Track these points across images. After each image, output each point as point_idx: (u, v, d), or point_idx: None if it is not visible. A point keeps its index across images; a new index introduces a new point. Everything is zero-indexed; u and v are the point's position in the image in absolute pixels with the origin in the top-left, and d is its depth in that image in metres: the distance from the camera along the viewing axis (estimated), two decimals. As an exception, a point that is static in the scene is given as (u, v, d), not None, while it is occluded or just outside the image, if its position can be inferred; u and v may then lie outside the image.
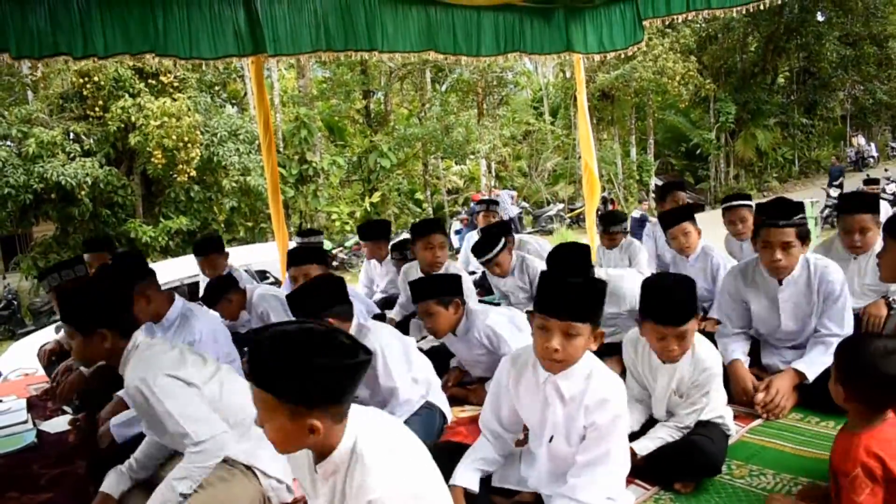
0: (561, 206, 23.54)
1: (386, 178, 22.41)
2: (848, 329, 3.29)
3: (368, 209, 22.07)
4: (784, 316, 3.44)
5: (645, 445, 2.73)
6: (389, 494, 1.67)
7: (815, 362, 3.26)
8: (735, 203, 5.15)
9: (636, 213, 15.29)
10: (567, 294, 2.22)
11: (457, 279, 3.56)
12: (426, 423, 3.18)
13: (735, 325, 3.65)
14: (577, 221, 22.47)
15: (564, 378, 2.32)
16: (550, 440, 2.41)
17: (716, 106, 25.89)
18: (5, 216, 15.10)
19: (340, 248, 19.51)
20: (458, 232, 20.66)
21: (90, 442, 3.47)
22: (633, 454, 2.68)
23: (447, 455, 2.62)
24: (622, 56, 7.45)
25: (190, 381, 2.61)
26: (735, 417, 3.17)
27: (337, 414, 1.73)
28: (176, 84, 16.84)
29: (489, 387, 3.66)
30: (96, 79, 15.34)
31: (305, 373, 1.65)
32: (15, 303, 15.17)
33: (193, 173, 16.59)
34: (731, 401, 3.33)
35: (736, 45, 26.38)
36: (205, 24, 5.57)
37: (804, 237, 3.25)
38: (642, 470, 2.71)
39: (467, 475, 2.51)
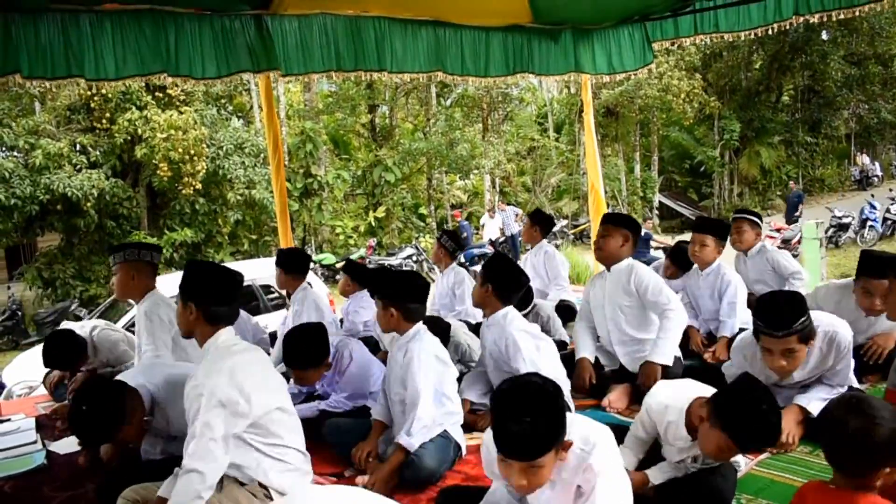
0: (565, 222, 23.55)
1: (390, 192, 22.48)
2: (849, 383, 3.38)
3: (373, 223, 22.13)
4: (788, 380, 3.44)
5: (656, 476, 2.73)
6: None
7: (817, 398, 3.29)
8: (737, 215, 5.33)
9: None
10: (522, 437, 1.99)
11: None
12: (440, 449, 3.19)
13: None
14: (581, 237, 22.48)
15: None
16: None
17: (720, 123, 25.96)
18: (11, 227, 15.13)
19: (343, 262, 19.52)
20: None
21: (100, 464, 3.49)
22: (646, 479, 2.69)
23: (457, 499, 2.69)
24: (628, 74, 7.48)
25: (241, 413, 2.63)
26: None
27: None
28: (182, 97, 16.92)
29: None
30: (104, 91, 15.39)
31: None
32: (19, 313, 15.18)
33: (199, 186, 16.64)
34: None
35: (741, 63, 26.45)
36: (217, 44, 5.60)
37: (808, 338, 2.99)
38: (652, 502, 2.71)
39: None
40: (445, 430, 3.29)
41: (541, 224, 6.63)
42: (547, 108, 27.88)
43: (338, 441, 3.49)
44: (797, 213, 18.93)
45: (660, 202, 26.36)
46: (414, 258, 19.73)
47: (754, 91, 26.93)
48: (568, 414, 2.12)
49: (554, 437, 2.01)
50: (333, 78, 6.39)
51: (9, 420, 4.53)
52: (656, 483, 2.71)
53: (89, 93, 15.50)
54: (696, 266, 4.96)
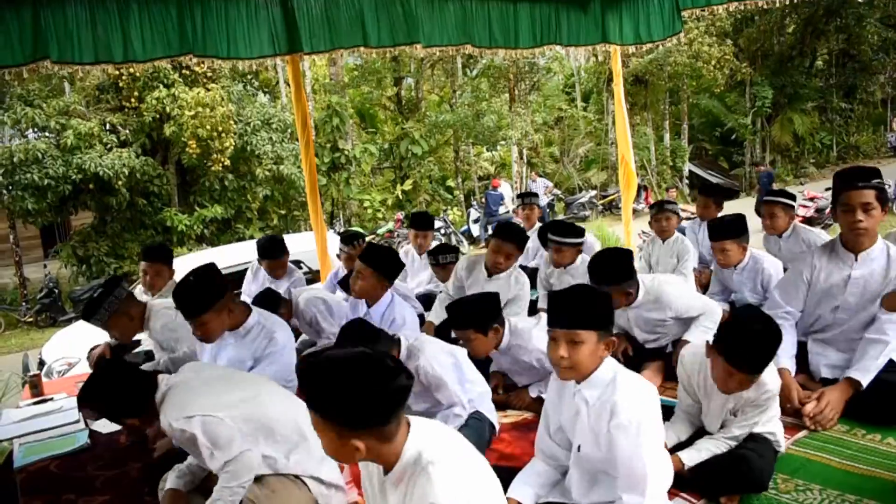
0: (593, 192, 23.35)
1: (417, 165, 22.43)
2: None
3: (400, 196, 22.13)
4: (850, 295, 3.39)
5: (691, 456, 2.72)
6: (447, 500, 1.73)
7: (869, 367, 3.20)
8: (770, 199, 5.07)
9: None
10: (567, 304, 2.37)
11: (494, 299, 3.50)
12: (476, 433, 3.16)
13: (789, 304, 3.61)
14: (610, 208, 22.31)
15: (588, 387, 2.39)
16: (579, 449, 2.44)
17: (752, 90, 25.46)
18: (45, 206, 15.36)
19: (373, 236, 19.59)
20: (475, 220, 20.63)
21: (143, 443, 3.56)
22: (680, 464, 2.69)
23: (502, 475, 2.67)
24: (656, 43, 7.37)
25: (213, 415, 2.64)
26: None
27: (382, 434, 1.79)
28: (209, 74, 16.96)
29: (532, 391, 3.71)
30: (131, 70, 15.47)
31: (350, 397, 1.74)
32: (56, 291, 15.49)
33: (227, 162, 16.74)
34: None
35: (773, 28, 25.83)
36: (241, 23, 5.60)
37: (884, 202, 3.19)
38: (687, 482, 2.70)
39: (522, 490, 2.54)
40: (478, 411, 3.29)
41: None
42: (574, 77, 27.52)
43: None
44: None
45: (690, 171, 26.01)
46: (442, 231, 19.73)
47: (787, 56, 26.32)
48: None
49: (597, 317, 2.34)
50: (360, 53, 6.36)
51: (51, 399, 4.64)
52: (690, 464, 2.70)
53: (117, 72, 15.57)
54: None
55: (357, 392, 1.74)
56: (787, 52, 26.39)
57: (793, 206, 5.03)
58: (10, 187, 14.98)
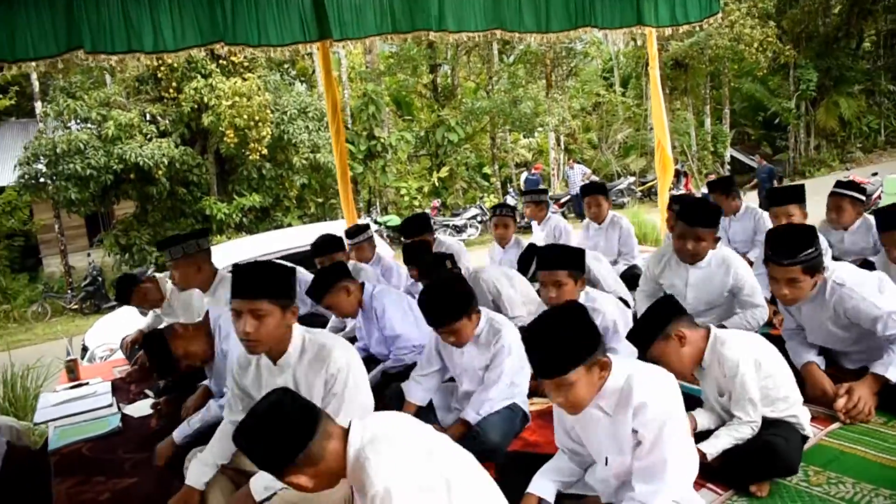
0: (632, 179, 23.03)
1: (454, 152, 22.38)
2: None
3: (436, 184, 22.12)
4: (824, 335, 3.35)
5: (713, 445, 2.66)
6: (389, 487, 1.75)
7: (894, 361, 3.10)
8: (838, 191, 4.78)
9: (705, 190, 14.82)
10: (543, 357, 2.16)
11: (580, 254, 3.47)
12: (506, 421, 3.16)
13: (796, 326, 3.54)
14: (649, 195, 21.99)
15: (601, 398, 2.25)
16: (606, 462, 2.34)
17: (796, 73, 24.81)
18: (87, 196, 15.70)
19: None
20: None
21: (172, 427, 3.60)
22: (704, 456, 2.62)
23: (520, 464, 2.67)
24: (694, 25, 7.21)
25: None
26: (813, 419, 3.06)
27: (309, 459, 1.84)
28: (246, 64, 17.12)
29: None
30: (169, 61, 15.71)
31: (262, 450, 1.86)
32: (99, 279, 15.83)
33: (265, 151, 16.91)
34: (807, 401, 3.23)
35: (818, 9, 25.12)
36: (272, 10, 5.64)
37: (814, 270, 3.01)
38: (715, 473, 2.65)
39: (543, 485, 2.50)
40: (514, 402, 3.25)
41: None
42: (613, 62, 27.14)
43: (399, 408, 3.49)
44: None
45: (731, 156, 25.51)
46: (479, 218, 19.67)
47: (833, 38, 25.58)
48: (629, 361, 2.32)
49: (571, 356, 2.13)
50: (391, 40, 6.34)
51: (87, 384, 4.74)
52: (712, 454, 2.64)
53: (156, 63, 15.82)
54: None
55: (265, 441, 1.83)
56: (833, 34, 25.64)
57: (862, 201, 4.77)
58: (54, 178, 15.34)
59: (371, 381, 3.59)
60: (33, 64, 5.19)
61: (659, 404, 2.17)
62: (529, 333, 2.22)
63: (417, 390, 3.42)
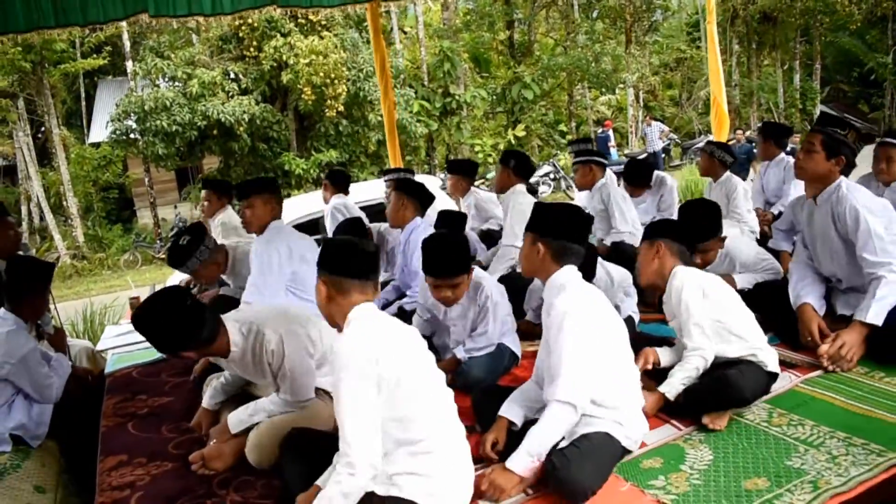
0: (711, 136, 22.39)
1: (529, 109, 22.30)
2: (886, 258, 3.13)
3: (512, 141, 22.14)
4: (820, 241, 3.45)
5: (669, 384, 2.84)
6: (352, 346, 2.15)
7: (870, 306, 3.10)
8: (888, 140, 4.46)
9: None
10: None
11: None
12: (492, 359, 3.44)
13: (805, 248, 3.62)
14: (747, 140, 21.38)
15: (546, 290, 2.70)
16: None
17: (894, 26, 23.44)
18: (173, 151, 16.56)
19: (482, 181, 19.77)
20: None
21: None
22: (662, 397, 2.83)
23: (493, 395, 2.93)
24: None
25: (310, 352, 2.99)
26: (795, 367, 3.19)
27: (341, 286, 2.28)
28: (324, 22, 17.49)
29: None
30: (250, 20, 16.24)
31: (334, 247, 2.37)
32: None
33: (341, 108, 17.34)
34: (798, 347, 3.33)
35: (923, -44, 23.57)
36: (324, -29, 5.88)
37: (832, 151, 3.24)
38: (678, 409, 2.82)
39: (512, 409, 2.75)
40: (503, 342, 3.50)
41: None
42: (698, 15, 26.23)
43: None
44: (749, 173, 13.41)
45: (823, 113, 24.39)
46: (552, 175, 19.63)
47: (938, -14, 23.99)
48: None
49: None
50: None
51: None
52: (672, 393, 2.82)
53: (237, 23, 16.40)
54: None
55: (338, 244, 2.39)
56: (939, -18, 24.03)
57: None
58: (143, 133, 16.23)
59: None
60: (124, 24, 5.61)
61: (562, 308, 2.50)
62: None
63: (420, 323, 3.73)
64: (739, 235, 4.26)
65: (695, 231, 3.38)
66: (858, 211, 3.18)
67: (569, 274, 2.64)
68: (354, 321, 2.24)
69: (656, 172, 6.35)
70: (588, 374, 2.47)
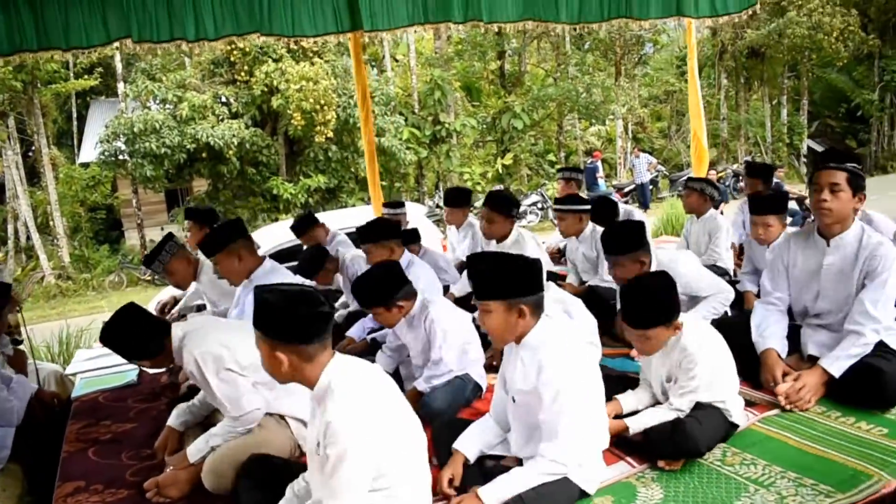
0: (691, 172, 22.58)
1: (519, 138, 22.47)
2: (882, 317, 3.10)
3: (500, 170, 22.29)
4: (826, 282, 3.33)
5: (637, 421, 2.84)
6: (342, 418, 2.07)
7: (840, 357, 3.14)
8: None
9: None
10: (475, 277, 2.62)
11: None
12: (455, 390, 3.44)
13: (776, 290, 3.57)
14: (719, 181, 21.61)
15: (523, 347, 2.61)
16: (514, 401, 2.66)
17: (881, 63, 23.82)
18: (162, 173, 16.62)
19: (472, 210, 19.82)
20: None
21: (177, 384, 4.03)
22: (625, 428, 2.83)
23: (452, 428, 2.92)
24: (774, 9, 7.09)
25: (230, 368, 2.97)
26: (754, 406, 3.18)
27: (302, 354, 2.17)
28: (315, 49, 17.65)
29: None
30: (242, 45, 16.38)
31: (278, 313, 2.17)
32: (172, 252, 16.71)
33: (331, 134, 17.46)
34: (759, 386, 3.34)
35: (908, -4, 24.03)
36: (306, 3, 5.95)
37: (857, 188, 3.12)
38: (633, 446, 2.83)
39: (468, 444, 2.77)
40: (467, 374, 3.52)
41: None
42: (686, 50, 26.58)
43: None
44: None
45: (810, 149, 24.70)
46: (539, 205, 19.76)
47: (922, 27, 24.43)
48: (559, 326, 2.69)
49: (501, 287, 2.56)
50: (417, 30, 6.55)
51: (119, 343, 5.24)
52: (635, 429, 2.82)
53: (230, 47, 16.52)
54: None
55: (284, 310, 2.16)
56: (923, 23, 24.48)
57: None
58: (132, 155, 16.28)
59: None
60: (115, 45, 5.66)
61: (559, 370, 2.47)
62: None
63: (384, 359, 3.79)
64: (681, 254, 4.24)
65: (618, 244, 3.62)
66: (893, 263, 3.13)
67: (547, 325, 2.63)
68: (337, 385, 2.15)
69: (625, 207, 6.43)
70: (584, 436, 2.52)
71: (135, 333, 3.02)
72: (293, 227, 5.96)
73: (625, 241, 3.70)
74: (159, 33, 5.56)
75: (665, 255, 4.05)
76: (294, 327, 2.15)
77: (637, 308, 2.79)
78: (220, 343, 2.99)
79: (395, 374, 3.79)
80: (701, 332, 2.89)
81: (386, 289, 3.37)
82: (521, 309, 2.52)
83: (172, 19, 5.54)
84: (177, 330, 3.05)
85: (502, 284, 2.53)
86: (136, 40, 5.51)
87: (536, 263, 2.60)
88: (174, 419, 3.25)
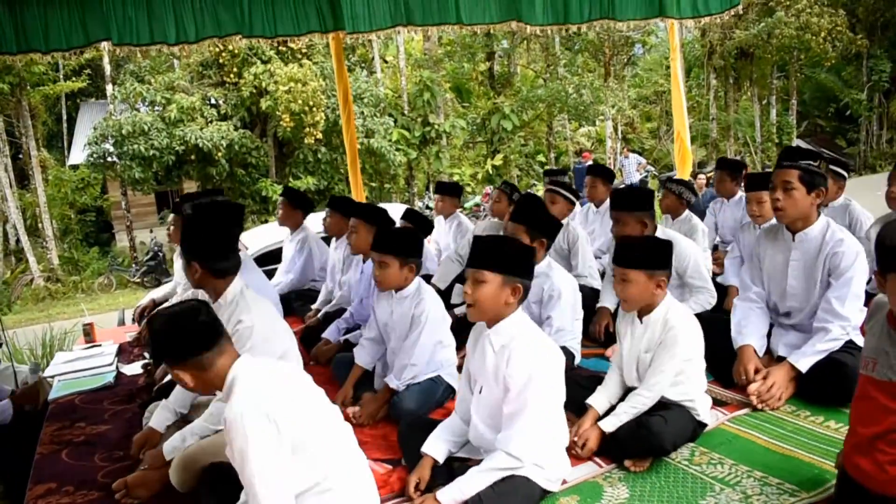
0: (675, 173, 22.66)
1: (508, 139, 22.51)
2: (849, 314, 3.14)
3: (490, 171, 22.31)
4: (792, 279, 3.36)
5: (611, 422, 2.84)
6: (237, 414, 2.04)
7: (807, 353, 3.16)
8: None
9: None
10: (480, 247, 2.63)
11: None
12: (425, 392, 3.43)
13: (755, 284, 3.59)
14: (707, 185, 21.63)
15: (495, 333, 2.61)
16: (480, 391, 2.66)
17: (869, 63, 23.95)
18: (151, 175, 16.59)
19: (461, 209, 19.83)
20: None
21: (152, 385, 4.03)
22: (601, 433, 2.83)
23: (418, 428, 2.93)
24: (762, 10, 7.12)
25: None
26: (725, 405, 3.21)
27: (200, 364, 2.17)
28: (304, 50, 17.64)
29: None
30: (230, 47, 16.37)
31: (165, 338, 2.21)
32: (160, 254, 16.70)
33: (320, 136, 17.45)
34: (730, 384, 3.36)
35: (896, -4, 24.17)
36: (287, 4, 5.95)
37: (812, 185, 3.12)
38: (602, 448, 2.82)
39: (436, 446, 2.75)
40: (439, 375, 3.51)
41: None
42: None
43: (341, 375, 3.83)
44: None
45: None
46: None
47: (910, 27, 24.58)
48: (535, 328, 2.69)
49: (503, 261, 2.59)
50: (405, 32, 6.56)
51: (99, 346, 5.24)
52: (609, 431, 2.82)
53: (219, 49, 16.52)
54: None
55: (168, 333, 2.20)
56: (911, 23, 24.63)
57: None
58: (120, 157, 16.24)
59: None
60: (105, 45, 5.65)
61: (529, 364, 2.48)
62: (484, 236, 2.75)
63: (363, 354, 3.75)
64: (687, 239, 4.30)
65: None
66: (856, 260, 3.15)
67: (523, 319, 2.66)
68: (237, 382, 2.15)
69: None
70: (543, 433, 2.53)
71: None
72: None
73: (633, 200, 3.94)
74: (139, 36, 5.55)
75: (672, 233, 4.18)
76: (182, 345, 2.18)
77: (627, 247, 2.88)
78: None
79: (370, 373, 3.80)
80: (687, 315, 2.91)
81: (413, 244, 3.51)
82: (514, 287, 2.56)
83: (152, 22, 5.53)
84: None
85: (505, 258, 2.58)
86: (116, 43, 5.51)
87: (531, 251, 2.70)
88: (157, 421, 3.17)
